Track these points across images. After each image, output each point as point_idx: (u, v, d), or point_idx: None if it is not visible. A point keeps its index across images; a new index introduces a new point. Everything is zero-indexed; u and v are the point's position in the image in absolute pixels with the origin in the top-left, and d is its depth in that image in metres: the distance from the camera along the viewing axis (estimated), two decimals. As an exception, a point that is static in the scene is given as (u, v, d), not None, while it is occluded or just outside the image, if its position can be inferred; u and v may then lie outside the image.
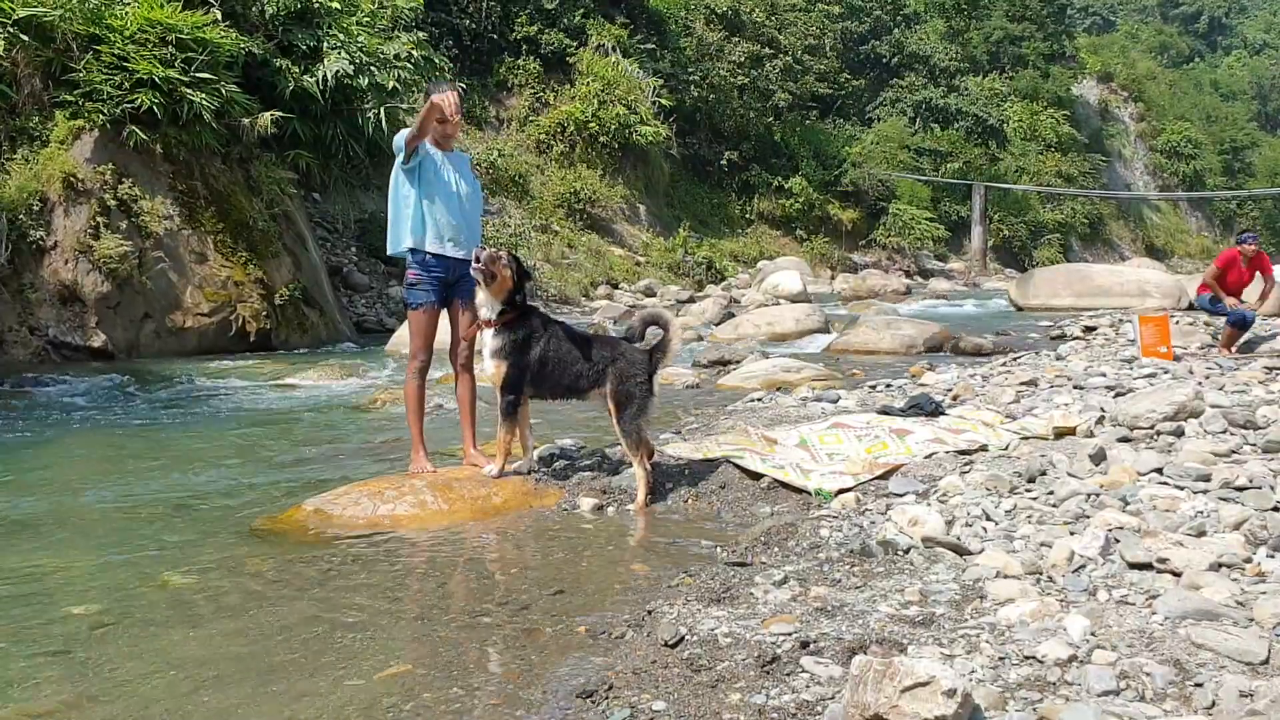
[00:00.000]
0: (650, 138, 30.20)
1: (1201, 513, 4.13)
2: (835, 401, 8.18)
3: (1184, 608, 3.12)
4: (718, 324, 16.78)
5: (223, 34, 14.57)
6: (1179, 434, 5.80)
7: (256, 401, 9.79)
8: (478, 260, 5.16)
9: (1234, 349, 10.81)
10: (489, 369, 5.38)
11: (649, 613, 3.58)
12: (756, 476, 5.63)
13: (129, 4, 13.99)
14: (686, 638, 3.27)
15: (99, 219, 12.90)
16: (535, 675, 3.14)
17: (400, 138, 5.69)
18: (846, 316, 18.56)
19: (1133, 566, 3.55)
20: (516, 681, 3.10)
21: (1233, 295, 11.05)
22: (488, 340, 5.36)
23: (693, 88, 34.40)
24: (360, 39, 17.41)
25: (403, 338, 11.98)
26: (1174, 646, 2.89)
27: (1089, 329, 14.80)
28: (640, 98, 30.68)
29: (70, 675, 3.24)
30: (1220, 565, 3.50)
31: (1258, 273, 11.25)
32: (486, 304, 5.32)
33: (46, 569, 4.41)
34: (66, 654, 3.42)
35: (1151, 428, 5.93)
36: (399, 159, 5.71)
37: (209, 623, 3.68)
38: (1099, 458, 5.24)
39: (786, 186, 36.70)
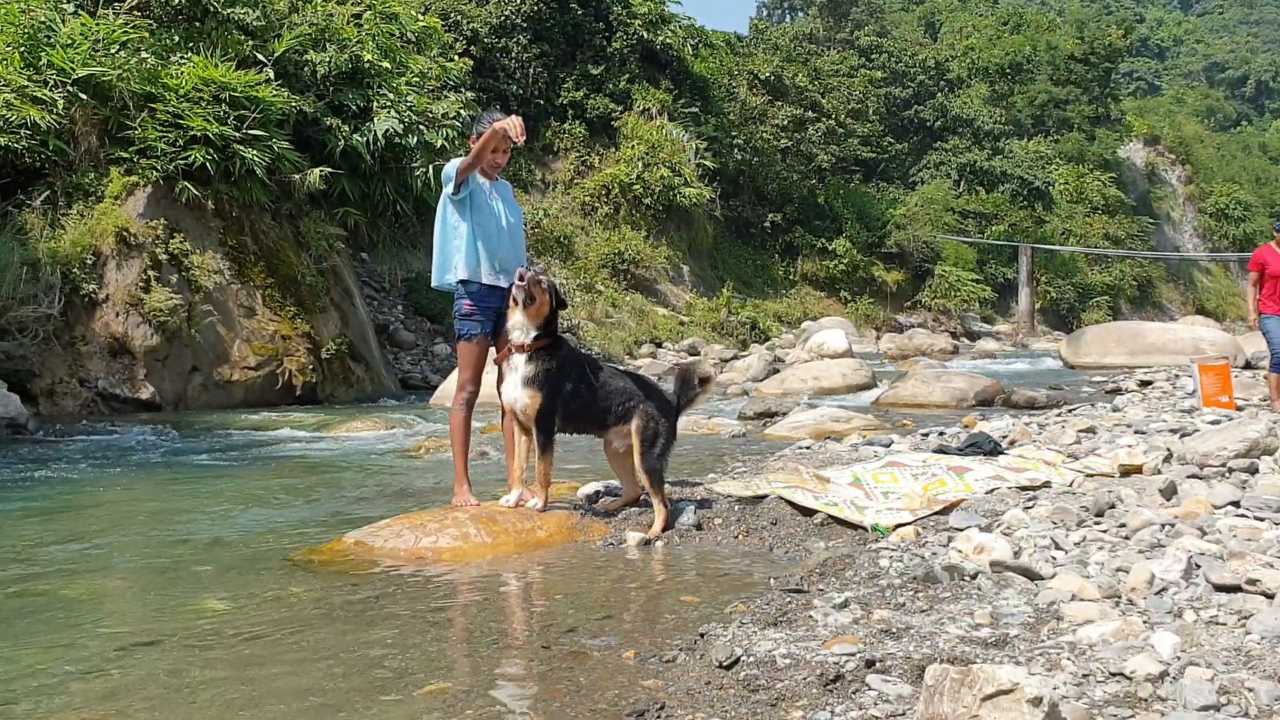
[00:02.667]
0: (694, 199, 30.29)
1: (1287, 541, 3.89)
2: (888, 446, 7.96)
3: (1282, 626, 2.89)
4: (762, 380, 16.59)
5: (275, 93, 14.81)
6: (1252, 471, 5.53)
7: (301, 449, 9.73)
8: (521, 279, 5.02)
9: None
10: (521, 398, 5.08)
11: (701, 635, 3.40)
12: (809, 513, 5.42)
13: (184, 64, 14.28)
14: (742, 659, 3.08)
15: (150, 273, 13.04)
16: (583, 695, 2.96)
17: (451, 167, 5.60)
18: (894, 373, 18.29)
19: (1219, 589, 3.31)
20: (563, 700, 2.93)
21: None
22: (520, 366, 5.09)
23: (736, 151, 34.53)
24: (410, 98, 17.62)
25: (447, 392, 11.90)
26: (1276, 664, 2.67)
27: (1145, 383, 14.44)
28: (684, 160, 30.84)
29: (102, 691, 3.11)
30: (1316, 587, 3.27)
31: None
32: (520, 327, 5.07)
33: (85, 595, 4.31)
34: (100, 671, 3.29)
35: (1223, 465, 5.68)
36: (448, 189, 5.62)
37: (244, 644, 3.54)
38: (1170, 492, 5.00)
39: (830, 248, 36.53)
